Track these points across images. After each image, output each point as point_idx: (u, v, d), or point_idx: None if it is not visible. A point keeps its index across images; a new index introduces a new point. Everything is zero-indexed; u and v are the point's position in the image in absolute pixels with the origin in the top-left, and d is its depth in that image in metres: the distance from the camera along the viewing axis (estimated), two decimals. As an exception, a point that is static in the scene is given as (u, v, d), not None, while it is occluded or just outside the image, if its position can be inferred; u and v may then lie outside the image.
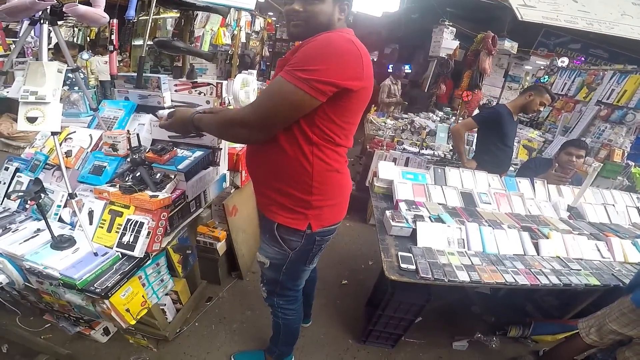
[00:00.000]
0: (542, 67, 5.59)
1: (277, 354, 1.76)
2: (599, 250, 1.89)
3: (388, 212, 1.84)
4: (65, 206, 1.43)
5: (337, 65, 0.96)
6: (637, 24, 3.06)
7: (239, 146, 2.08)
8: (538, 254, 1.81)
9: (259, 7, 4.82)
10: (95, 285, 1.18)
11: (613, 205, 2.35)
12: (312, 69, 0.94)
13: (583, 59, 5.89)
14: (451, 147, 3.68)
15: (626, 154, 3.49)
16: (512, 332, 2.17)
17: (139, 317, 1.40)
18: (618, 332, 1.54)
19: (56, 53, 2.94)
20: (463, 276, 1.53)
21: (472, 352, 2.10)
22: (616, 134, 3.61)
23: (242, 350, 1.91)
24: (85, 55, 4.41)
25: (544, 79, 5.41)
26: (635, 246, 1.93)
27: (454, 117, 4.48)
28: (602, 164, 2.78)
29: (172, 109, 1.30)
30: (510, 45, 5.26)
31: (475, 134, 3.74)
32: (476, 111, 4.38)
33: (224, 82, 1.94)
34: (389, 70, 6.74)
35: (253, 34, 5.28)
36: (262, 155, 1.19)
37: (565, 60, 5.19)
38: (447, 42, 5.51)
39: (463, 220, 1.88)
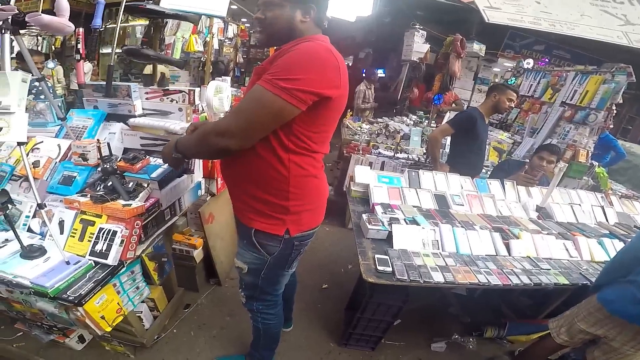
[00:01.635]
0: (509, 69, 5.81)
1: (257, 358, 1.76)
2: (567, 249, 1.93)
3: (365, 216, 1.87)
4: (34, 216, 1.41)
5: (317, 75, 0.98)
6: (596, 25, 3.18)
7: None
8: (509, 254, 1.84)
9: (231, 13, 4.80)
10: (68, 293, 1.18)
11: (579, 204, 2.43)
12: (293, 78, 0.95)
13: (547, 60, 6.11)
14: (425, 151, 3.78)
15: (590, 154, 3.58)
16: (488, 333, 2.24)
17: (114, 324, 1.40)
18: (587, 331, 1.55)
19: (21, 62, 2.84)
20: (438, 277, 1.56)
21: (450, 353, 2.15)
22: (580, 134, 3.67)
23: (223, 356, 1.90)
24: (50, 64, 4.26)
25: (511, 80, 5.59)
26: (601, 245, 1.99)
27: (427, 121, 4.61)
28: (567, 165, 2.86)
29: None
30: (478, 48, 5.40)
31: (449, 138, 3.89)
32: (447, 116, 4.54)
33: (197, 89, 1.95)
34: (363, 75, 6.87)
35: (226, 40, 5.26)
36: (237, 161, 1.17)
37: (531, 61, 5.32)
38: (419, 45, 5.56)
39: (437, 222, 1.92)
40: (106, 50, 5.17)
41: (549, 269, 1.76)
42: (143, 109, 1.84)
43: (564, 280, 1.68)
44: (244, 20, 6.44)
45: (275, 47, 1.20)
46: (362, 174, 2.31)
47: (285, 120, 1.02)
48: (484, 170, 3.15)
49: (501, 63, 6.73)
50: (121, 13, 1.91)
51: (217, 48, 4.56)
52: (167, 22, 3.38)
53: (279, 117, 1.00)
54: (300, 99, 0.96)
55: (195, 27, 3.86)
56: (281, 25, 1.10)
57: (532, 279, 1.65)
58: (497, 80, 6.80)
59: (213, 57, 3.96)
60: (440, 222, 1.93)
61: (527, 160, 2.84)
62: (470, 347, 2.17)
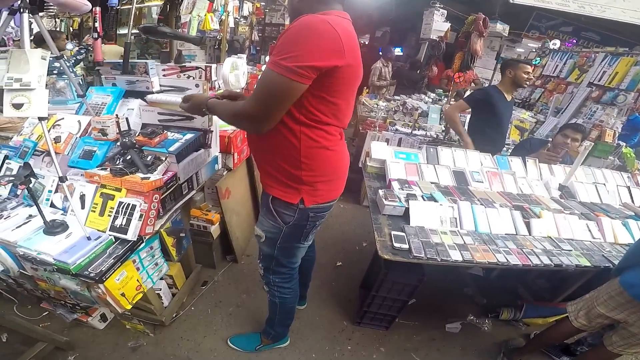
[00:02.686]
0: (534, 50, 5.58)
1: (272, 335, 1.80)
2: (589, 230, 1.88)
3: (381, 191, 1.85)
4: (56, 191, 1.43)
5: (315, 47, 0.98)
6: (628, 7, 3.05)
7: (230, 128, 2.08)
8: (530, 234, 1.79)
9: (247, -10, 4.72)
10: (89, 269, 1.19)
11: (604, 184, 2.34)
12: (292, 55, 0.97)
13: (575, 41, 5.89)
14: (443, 128, 3.69)
15: (617, 135, 3.52)
16: (504, 315, 2.21)
17: (134, 302, 1.42)
18: (606, 315, 1.52)
19: (38, 44, 2.87)
20: (456, 255, 1.53)
21: (465, 334, 2.14)
22: (607, 115, 3.63)
23: (239, 334, 1.94)
24: (69, 45, 4.31)
25: (536, 60, 5.43)
26: (626, 227, 1.92)
27: (445, 99, 4.49)
28: (593, 144, 2.82)
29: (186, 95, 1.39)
30: (501, 28, 5.24)
31: (468, 116, 3.77)
32: (467, 94, 4.39)
33: (213, 66, 1.92)
34: (380, 53, 6.69)
35: (242, 19, 5.17)
36: (260, 137, 1.23)
37: (557, 42, 5.19)
38: (438, 24, 5.47)
39: (455, 199, 1.88)
40: (123, 31, 5.18)
41: (571, 250, 1.71)
42: (160, 85, 1.84)
43: (586, 262, 1.63)
44: (259, -3, 6.31)
45: None
46: (378, 149, 2.27)
47: (298, 96, 1.05)
48: (504, 148, 3.08)
49: (525, 44, 6.48)
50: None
51: (233, 26, 4.49)
52: (182, 0, 3.34)
53: (291, 95, 1.04)
54: (302, 74, 0.98)
55: (210, 5, 3.80)
56: (291, 7, 1.20)
57: (553, 259, 1.61)
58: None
59: (229, 36, 3.90)
60: (458, 199, 1.89)
61: (550, 139, 2.74)
62: (486, 328, 2.16)
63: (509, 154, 2.86)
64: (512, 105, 2.86)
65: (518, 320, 2.23)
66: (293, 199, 1.24)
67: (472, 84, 5.05)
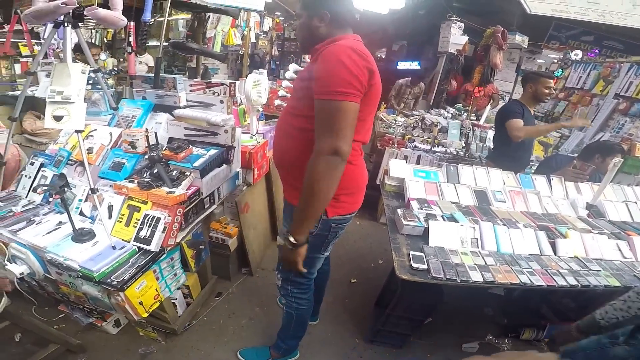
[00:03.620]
0: (555, 61, 5.45)
1: (283, 349, 1.80)
2: (620, 250, 1.78)
3: (399, 211, 1.82)
4: (86, 200, 1.49)
5: (355, 69, 1.05)
6: None
7: (251, 144, 2.12)
8: (555, 254, 1.72)
9: (267, 7, 4.87)
10: (112, 277, 1.23)
11: (635, 202, 2.24)
12: (335, 82, 1.04)
13: (597, 51, 5.70)
14: (463, 145, 3.64)
15: None
16: (526, 335, 2.13)
17: (150, 310, 1.44)
18: None
19: (78, 54, 3.03)
20: (476, 276, 1.49)
21: (483, 354, 2.04)
22: (637, 127, 3.44)
23: (249, 347, 1.93)
24: (102, 56, 4.52)
25: (558, 72, 5.28)
26: None
27: (465, 114, 4.45)
28: (622, 160, 2.72)
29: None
30: (521, 40, 5.16)
31: (490, 132, 3.71)
32: (487, 110, 4.34)
33: (237, 82, 1.98)
34: (397, 67, 6.66)
35: (262, 34, 5.33)
36: (286, 150, 1.29)
37: (579, 53, 5.02)
38: (456, 37, 5.41)
39: (477, 219, 1.84)
40: (152, 43, 5.40)
41: (599, 270, 1.64)
42: (187, 100, 1.91)
43: (615, 282, 1.56)
44: (278, 13, 6.48)
45: None
46: (397, 167, 2.25)
47: (357, 115, 1.09)
48: (528, 165, 2.98)
49: (546, 54, 6.35)
50: (168, 7, 1.98)
51: (254, 41, 4.64)
52: (208, 16, 3.48)
53: (355, 115, 1.09)
54: (355, 94, 1.06)
55: (234, 21, 3.94)
56: (305, 33, 1.25)
57: (580, 280, 1.55)
58: (541, 72, 6.43)
59: (250, 50, 4.02)
60: (480, 220, 1.84)
61: (576, 155, 2.65)
62: (505, 348, 2.08)
63: (532, 171, 2.79)
64: (533, 119, 2.80)
65: (540, 340, 2.14)
66: None
67: (491, 99, 5.00)
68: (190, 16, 4.12)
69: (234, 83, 1.95)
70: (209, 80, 1.95)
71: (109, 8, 1.46)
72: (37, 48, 3.34)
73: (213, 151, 1.62)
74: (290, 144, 1.27)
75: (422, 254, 1.58)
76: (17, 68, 4.56)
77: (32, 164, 1.64)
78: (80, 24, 1.39)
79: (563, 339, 1.48)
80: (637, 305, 1.23)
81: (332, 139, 1.06)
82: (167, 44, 2.88)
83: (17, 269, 1.27)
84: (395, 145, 3.46)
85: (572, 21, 4.68)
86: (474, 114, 4.40)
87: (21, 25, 2.42)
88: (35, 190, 1.56)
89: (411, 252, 1.59)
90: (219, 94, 1.93)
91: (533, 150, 3.35)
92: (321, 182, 1.10)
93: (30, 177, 1.61)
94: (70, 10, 1.27)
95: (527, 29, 5.18)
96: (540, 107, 4.80)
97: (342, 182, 1.21)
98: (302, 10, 1.23)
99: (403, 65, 8.13)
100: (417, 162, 3.23)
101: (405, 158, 3.26)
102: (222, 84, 1.94)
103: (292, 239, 1.18)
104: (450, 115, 4.42)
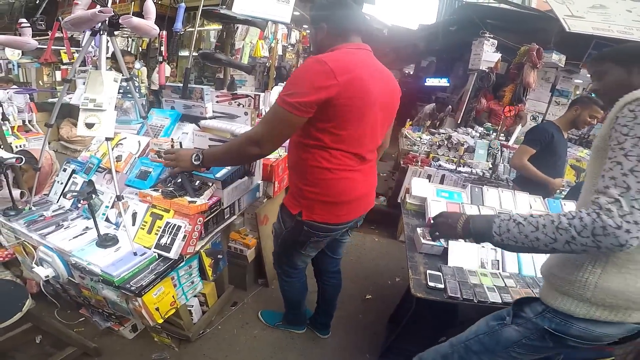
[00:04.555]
0: (594, 81, 5.20)
1: (289, 318, 2.06)
2: None
3: (419, 230, 1.78)
4: (112, 207, 1.54)
5: (307, 85, 1.15)
6: None
7: (273, 157, 2.14)
8: None
9: (294, 20, 4.95)
10: (131, 283, 1.25)
11: None
12: (291, 92, 1.15)
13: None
14: (491, 166, 3.52)
15: None
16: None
17: (166, 316, 1.46)
18: None
19: (114, 62, 3.18)
20: (494, 297, 1.45)
21: None
22: None
23: (268, 309, 2.20)
24: (137, 64, 4.74)
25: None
26: None
27: (494, 133, 4.31)
28: None
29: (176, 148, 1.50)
30: (557, 58, 4.95)
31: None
32: (518, 130, 4.19)
33: (261, 95, 2.01)
34: (425, 84, 6.58)
35: (289, 46, 5.42)
36: (289, 156, 1.48)
37: None
38: (488, 54, 5.28)
39: (499, 241, 1.79)
40: (183, 52, 5.61)
41: None
42: (213, 111, 1.95)
43: None
44: (305, 26, 6.60)
45: None
46: (419, 186, 2.20)
47: (299, 126, 1.22)
48: (558, 191, 2.84)
49: (584, 74, 6.07)
50: (198, 17, 2.04)
51: (281, 54, 4.72)
52: (237, 28, 3.58)
53: (292, 126, 1.21)
54: (301, 109, 1.15)
55: (262, 33, 4.03)
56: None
57: None
58: (577, 93, 6.16)
59: (277, 63, 4.10)
60: (502, 241, 1.77)
61: None
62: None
63: (562, 196, 2.65)
64: (566, 143, 2.67)
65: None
66: (294, 209, 1.41)
67: (517, 118, 4.82)
68: (220, 27, 4.26)
69: (259, 95, 1.98)
70: (235, 92, 1.99)
71: (143, 17, 1.50)
72: (76, 55, 3.53)
73: (235, 163, 1.63)
74: (290, 154, 1.46)
75: (439, 273, 1.55)
76: (58, 75, 4.82)
77: (64, 170, 1.71)
78: (116, 32, 1.44)
79: None
80: None
81: (262, 132, 1.22)
82: (195, 54, 2.99)
83: (44, 272, 1.32)
84: (419, 163, 3.39)
85: (614, 40, 4.48)
86: (502, 134, 4.26)
87: (62, 33, 2.53)
88: (65, 196, 1.62)
89: (428, 271, 1.55)
90: (243, 106, 1.97)
91: (565, 174, 3.18)
92: (232, 153, 1.33)
93: (62, 183, 1.69)
94: (107, 18, 1.31)
95: (565, 47, 4.96)
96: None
97: (320, 186, 1.34)
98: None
99: (431, 82, 8.08)
100: (441, 182, 3.14)
101: (429, 177, 3.18)
102: (247, 96, 1.98)
103: (199, 158, 1.36)
104: (478, 135, 4.29)
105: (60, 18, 2.00)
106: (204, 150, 1.40)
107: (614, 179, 0.80)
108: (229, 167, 1.59)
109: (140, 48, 6.55)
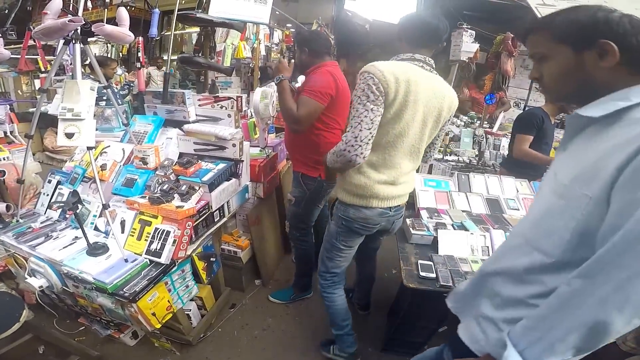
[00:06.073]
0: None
1: (299, 286, 2.31)
2: None
3: (408, 220, 1.81)
4: (100, 216, 1.53)
5: (327, 84, 1.70)
6: None
7: (260, 158, 2.15)
8: None
9: (276, 19, 4.90)
10: (124, 289, 1.26)
11: None
12: (318, 87, 1.67)
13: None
14: (477, 153, 3.57)
15: None
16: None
17: (164, 321, 1.47)
18: None
19: (93, 72, 3.11)
20: None
21: None
22: None
23: (277, 290, 2.38)
24: (119, 70, 4.63)
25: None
26: None
27: (478, 122, 4.38)
28: None
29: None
30: (533, 46, 5.07)
31: (504, 139, 3.63)
32: (501, 117, 4.26)
33: (244, 96, 2.01)
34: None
35: (273, 46, 5.37)
36: (296, 138, 1.90)
37: None
38: (467, 45, 5.33)
39: (488, 227, 1.82)
40: (167, 56, 5.50)
41: None
42: (196, 115, 1.94)
43: None
44: (288, 25, 6.55)
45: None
46: (407, 177, 2.23)
47: (321, 111, 1.73)
48: (545, 172, 2.88)
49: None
50: (174, 22, 2.02)
51: (265, 54, 4.67)
52: (215, 30, 3.52)
53: (318, 110, 1.71)
54: (324, 98, 1.69)
55: (243, 34, 3.99)
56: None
57: None
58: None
59: (261, 63, 4.07)
60: (491, 228, 1.81)
61: None
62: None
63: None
64: (554, 128, 2.72)
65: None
66: (314, 174, 1.88)
67: (502, 108, 4.91)
68: (199, 30, 4.18)
69: (241, 97, 1.98)
70: (217, 95, 1.98)
71: (117, 24, 1.47)
72: (51, 64, 3.42)
73: (221, 165, 1.64)
74: (299, 138, 1.86)
75: (430, 263, 1.58)
76: (38, 84, 4.63)
77: (49, 181, 1.69)
78: (90, 39, 1.41)
79: None
80: None
81: (303, 120, 1.67)
82: (175, 58, 2.95)
83: (37, 282, 1.32)
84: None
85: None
86: (486, 122, 4.33)
87: (35, 42, 2.46)
88: (51, 207, 1.60)
89: (419, 261, 1.58)
90: (226, 108, 1.96)
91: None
92: (288, 111, 1.69)
93: (48, 194, 1.66)
94: (78, 27, 1.29)
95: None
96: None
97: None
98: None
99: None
100: (429, 172, 3.19)
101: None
102: (229, 98, 1.98)
103: (281, 77, 1.73)
104: (462, 124, 4.35)
105: (31, 27, 1.95)
106: (285, 82, 1.73)
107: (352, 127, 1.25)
108: (215, 170, 1.60)
109: (120, 54, 6.39)
